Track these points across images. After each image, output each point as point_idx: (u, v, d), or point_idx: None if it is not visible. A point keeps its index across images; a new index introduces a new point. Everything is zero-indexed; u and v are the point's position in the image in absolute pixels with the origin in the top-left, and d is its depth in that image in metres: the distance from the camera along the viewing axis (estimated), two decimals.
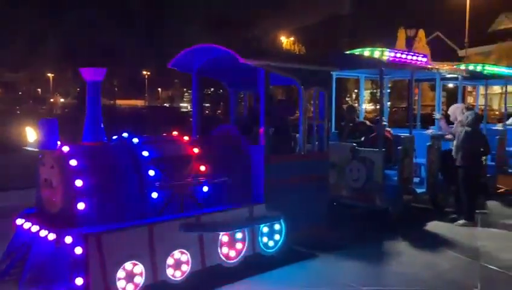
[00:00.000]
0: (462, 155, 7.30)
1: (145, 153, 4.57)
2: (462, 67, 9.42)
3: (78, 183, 4.14)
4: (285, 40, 40.75)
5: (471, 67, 9.45)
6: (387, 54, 7.20)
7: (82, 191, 4.16)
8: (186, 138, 5.07)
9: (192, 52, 5.65)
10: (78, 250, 3.85)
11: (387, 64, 6.97)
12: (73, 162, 4.19)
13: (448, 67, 8.60)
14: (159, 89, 77.95)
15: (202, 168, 4.89)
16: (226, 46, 5.15)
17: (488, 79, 9.47)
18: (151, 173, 4.51)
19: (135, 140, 4.67)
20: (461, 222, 7.27)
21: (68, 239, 3.89)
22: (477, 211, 7.73)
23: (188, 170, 4.78)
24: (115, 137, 4.84)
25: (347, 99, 39.34)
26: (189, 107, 55.36)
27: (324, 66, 6.02)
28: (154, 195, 4.50)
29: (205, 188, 4.89)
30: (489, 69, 9.69)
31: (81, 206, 4.13)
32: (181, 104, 63.87)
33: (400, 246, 6.31)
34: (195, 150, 4.95)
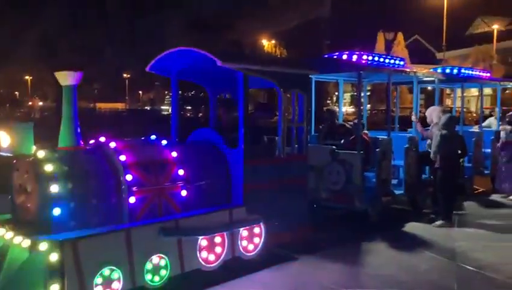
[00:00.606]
0: (439, 157, 7.41)
1: (122, 158, 4.53)
2: (439, 70, 9.58)
3: (54, 188, 4.08)
4: (267, 43, 40.91)
5: (447, 70, 9.61)
6: (365, 58, 7.29)
7: (57, 196, 4.10)
8: (164, 141, 5.04)
9: (171, 56, 5.62)
10: (54, 257, 3.79)
11: (365, 68, 7.05)
12: (48, 168, 4.12)
13: (425, 70, 8.73)
14: (140, 91, 77.35)
15: (181, 172, 4.86)
16: (205, 50, 5.13)
17: (464, 82, 9.65)
18: (129, 177, 4.47)
19: (112, 144, 4.62)
20: (439, 222, 7.38)
21: (43, 246, 3.82)
22: (454, 211, 7.87)
23: (166, 174, 4.75)
24: (92, 141, 4.78)
25: (328, 102, 39.65)
26: (170, 110, 55.01)
27: (303, 69, 6.05)
28: (132, 200, 4.46)
29: (184, 192, 4.86)
30: (465, 72, 9.87)
31: (56, 212, 4.07)
32: (162, 107, 63.48)
33: (379, 247, 6.37)
34: (174, 154, 4.92)
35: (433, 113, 8.26)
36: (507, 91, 25.56)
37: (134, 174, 4.52)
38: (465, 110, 31.84)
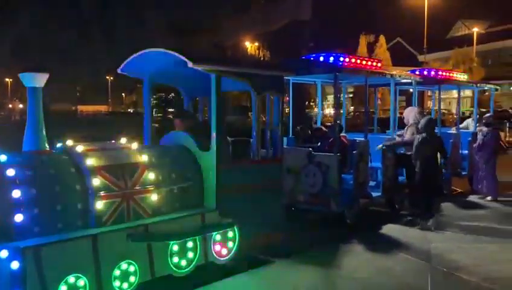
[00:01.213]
0: (420, 159, 7.43)
1: (89, 162, 4.40)
2: (417, 72, 9.62)
3: (16, 194, 3.94)
4: (250, 46, 40.86)
5: (425, 72, 9.67)
6: (341, 59, 7.27)
7: (20, 202, 3.96)
8: (134, 145, 4.92)
9: (143, 57, 5.51)
10: (15, 264, 3.65)
11: (341, 69, 7.03)
12: (10, 172, 3.98)
13: (403, 72, 8.76)
14: (123, 94, 76.76)
15: (151, 176, 4.75)
16: (176, 51, 5.04)
17: (440, 84, 9.71)
18: (96, 182, 4.34)
19: (79, 148, 4.50)
20: (427, 224, 7.35)
21: (4, 253, 3.68)
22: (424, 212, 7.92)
23: (136, 178, 4.64)
24: (58, 145, 4.64)
25: (311, 104, 39.74)
26: (154, 113, 54.61)
27: (278, 71, 5.99)
28: (99, 205, 4.34)
29: (154, 197, 4.75)
30: (442, 74, 9.93)
31: (18, 218, 3.93)
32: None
33: (355, 249, 6.35)
34: (144, 158, 4.80)
35: (409, 114, 8.29)
36: (486, 93, 25.94)
37: (101, 178, 4.40)
38: (446, 111, 32.23)
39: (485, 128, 9.57)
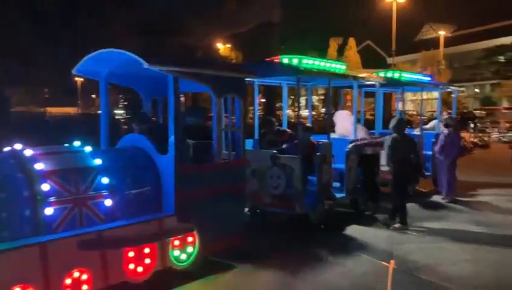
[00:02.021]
0: (393, 161, 7.48)
1: (39, 166, 4.24)
2: (381, 74, 9.72)
3: None
4: (222, 47, 40.70)
5: (389, 75, 9.77)
6: (305, 62, 7.26)
7: None
8: (88, 148, 4.77)
9: (98, 58, 5.35)
10: None
11: (302, 71, 7.01)
12: None
13: (366, 74, 8.83)
14: (93, 95, 75.35)
15: (105, 180, 4.61)
16: (132, 52, 4.92)
17: (404, 86, 9.83)
18: (45, 187, 4.18)
19: (28, 152, 4.32)
20: (397, 225, 7.42)
21: None
22: (396, 214, 7.99)
23: (89, 183, 4.49)
24: (6, 149, 4.45)
25: (281, 104, 39.89)
26: (124, 114, 53.70)
27: (238, 73, 5.92)
28: (49, 211, 4.17)
29: (108, 202, 4.61)
30: (406, 76, 10.07)
31: None
32: (116, 111, 61.93)
33: (318, 251, 6.32)
34: (98, 161, 4.66)
35: (338, 117, 8.46)
36: (452, 95, 26.52)
37: (52, 183, 4.23)
38: (415, 112, 32.70)
39: (446, 130, 9.67)
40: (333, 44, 39.02)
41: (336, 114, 9.16)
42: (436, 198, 9.84)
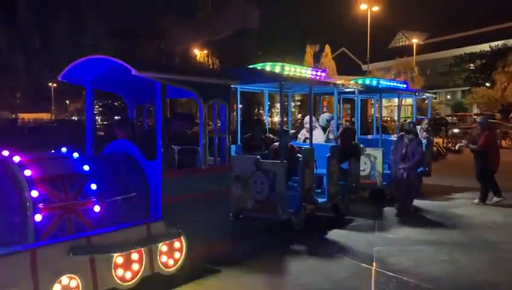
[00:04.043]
0: None
1: (28, 172, 4.22)
2: (359, 81, 9.96)
3: None
4: (199, 53, 40.68)
5: (367, 82, 10.02)
6: (287, 69, 7.40)
7: None
8: (75, 154, 4.77)
9: (84, 64, 5.36)
10: None
11: (286, 79, 7.15)
12: None
13: (346, 82, 9.04)
14: (67, 101, 74.08)
15: (93, 186, 4.62)
16: (119, 58, 4.95)
17: (381, 92, 10.09)
18: (34, 193, 4.17)
19: (16, 158, 4.30)
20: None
21: None
22: (375, 217, 8.22)
23: (77, 189, 4.49)
24: None
25: (260, 111, 40.09)
26: (99, 120, 53.07)
27: (224, 79, 6.01)
28: (38, 217, 4.16)
29: (96, 208, 4.62)
30: (383, 83, 10.34)
31: None
32: None
33: (301, 255, 6.45)
34: (85, 168, 4.67)
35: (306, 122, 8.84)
36: (426, 101, 27.19)
37: (40, 190, 4.22)
38: (389, 118, 33.36)
39: (406, 137, 9.03)
40: (310, 50, 39.52)
41: (305, 119, 9.36)
42: (414, 202, 10.04)
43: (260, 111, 40.07)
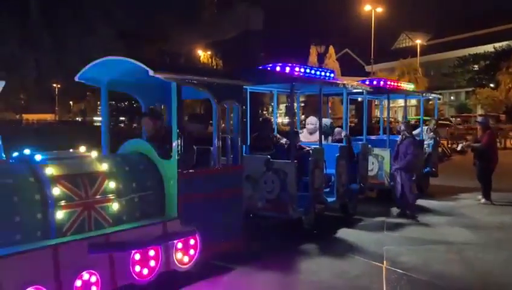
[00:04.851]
0: None
1: (49, 171, 4.33)
2: (367, 82, 10.04)
3: None
4: (203, 54, 40.86)
5: (374, 83, 10.09)
6: (297, 70, 7.48)
7: None
8: (94, 153, 4.87)
9: (101, 65, 5.47)
10: None
11: (298, 79, 7.24)
12: None
13: (354, 82, 9.12)
14: (71, 102, 74.30)
15: (111, 184, 4.72)
16: (137, 59, 5.05)
17: (390, 93, 10.17)
18: (56, 191, 4.27)
19: (38, 157, 4.41)
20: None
21: None
22: (382, 217, 8.28)
23: (96, 187, 4.59)
24: (15, 154, 4.53)
25: (264, 112, 40.22)
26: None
27: (237, 80, 6.11)
28: (59, 215, 4.27)
29: (115, 206, 4.72)
30: (391, 84, 10.40)
31: None
32: (95, 118, 61.33)
33: (312, 254, 6.53)
34: (104, 166, 4.77)
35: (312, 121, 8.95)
36: (430, 102, 27.25)
37: (61, 187, 4.33)
38: (393, 119, 33.58)
39: (399, 137, 9.08)
40: (314, 51, 39.60)
41: (307, 120, 9.42)
42: (421, 202, 10.12)
43: (264, 112, 40.17)
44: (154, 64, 5.08)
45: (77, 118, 65.60)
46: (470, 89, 45.95)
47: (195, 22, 26.71)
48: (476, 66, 46.45)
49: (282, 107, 47.80)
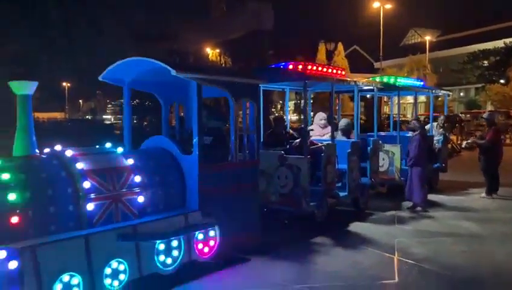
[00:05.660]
0: None
1: (80, 165, 4.60)
2: (377, 79, 10.23)
3: (11, 197, 4.10)
4: (211, 52, 41.05)
5: (385, 80, 10.28)
6: (309, 68, 7.71)
7: (15, 204, 4.12)
8: (120, 149, 5.14)
9: (125, 65, 5.73)
10: (13, 264, 3.82)
11: (311, 77, 7.46)
12: (5, 176, 4.14)
13: (365, 79, 9.32)
14: (80, 100, 74.92)
15: (137, 178, 4.99)
16: (159, 60, 5.31)
17: (400, 90, 10.35)
18: (86, 185, 4.55)
19: (69, 152, 4.69)
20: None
21: (1, 254, 3.83)
22: (393, 211, 8.47)
23: (123, 181, 4.86)
24: (46, 150, 4.81)
25: (273, 110, 40.39)
26: (112, 120, 53.75)
27: (253, 79, 6.35)
28: (89, 206, 4.54)
29: (140, 198, 4.99)
30: (401, 81, 10.58)
31: (14, 220, 4.09)
32: (104, 117, 61.91)
33: (325, 246, 6.76)
34: (130, 161, 5.04)
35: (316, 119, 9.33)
36: (439, 98, 27.28)
37: (91, 181, 4.60)
38: (402, 116, 33.54)
39: (411, 134, 9.28)
40: (323, 49, 39.70)
41: (316, 116, 9.65)
42: (431, 196, 10.30)
43: (272, 109, 40.32)
44: (176, 64, 5.33)
45: (87, 117, 66.21)
46: (480, 85, 45.76)
47: (205, 20, 26.89)
48: (485, 62, 46.20)
49: (290, 104, 47.95)
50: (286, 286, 5.21)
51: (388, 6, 34.54)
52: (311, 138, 8.29)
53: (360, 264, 6.00)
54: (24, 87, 4.50)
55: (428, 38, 47.87)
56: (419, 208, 8.99)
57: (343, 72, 8.52)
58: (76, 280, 4.18)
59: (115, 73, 5.90)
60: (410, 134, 11.24)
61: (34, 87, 4.55)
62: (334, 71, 8.30)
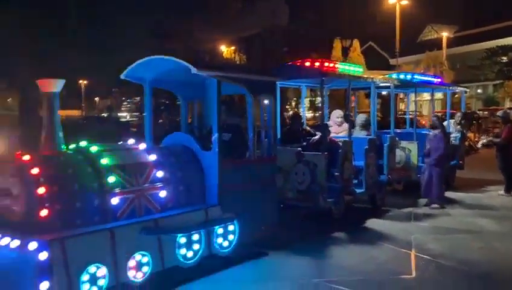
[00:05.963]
0: None
1: (104, 161, 4.76)
2: (394, 76, 10.23)
3: (41, 191, 4.27)
4: (226, 49, 41.19)
5: (401, 76, 10.28)
6: (326, 65, 7.76)
7: (44, 199, 4.28)
8: (142, 145, 5.29)
9: (145, 64, 5.88)
10: (43, 255, 3.98)
11: (328, 74, 7.53)
12: (34, 171, 4.31)
13: (381, 76, 9.34)
14: (96, 98, 75.82)
15: (159, 174, 5.13)
16: (180, 59, 5.44)
17: (416, 87, 10.34)
18: (111, 179, 4.70)
19: (93, 148, 4.85)
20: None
21: (32, 245, 4.00)
22: (410, 208, 8.51)
23: (146, 176, 5.01)
24: (72, 146, 4.97)
25: (287, 107, 40.39)
26: (128, 117, 54.30)
27: (271, 76, 6.45)
28: (114, 201, 4.70)
29: (162, 193, 5.13)
30: (418, 77, 10.57)
31: (44, 213, 4.25)
32: (119, 114, 62.54)
33: (342, 241, 6.84)
34: (152, 157, 5.18)
35: (333, 116, 9.38)
36: (456, 95, 27.03)
37: (116, 176, 4.76)
38: (418, 113, 33.29)
39: (431, 132, 9.31)
40: (337, 46, 39.51)
41: (332, 113, 9.71)
42: (447, 194, 10.26)
43: (287, 106, 40.33)
44: (197, 62, 5.45)
45: (103, 114, 67.04)
46: (498, 82, 45.10)
47: (220, 18, 27.00)
48: (504, 58, 45.47)
49: (306, 101, 47.83)
50: (304, 279, 5.31)
51: (404, 2, 34.26)
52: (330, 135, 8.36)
53: (377, 259, 6.07)
54: (52, 85, 4.66)
55: (445, 34, 47.34)
56: (436, 205, 8.98)
57: (361, 69, 8.56)
58: (101, 271, 4.34)
59: (136, 71, 6.04)
60: (431, 132, 11.23)
61: (61, 84, 4.71)
62: (352, 68, 8.33)
